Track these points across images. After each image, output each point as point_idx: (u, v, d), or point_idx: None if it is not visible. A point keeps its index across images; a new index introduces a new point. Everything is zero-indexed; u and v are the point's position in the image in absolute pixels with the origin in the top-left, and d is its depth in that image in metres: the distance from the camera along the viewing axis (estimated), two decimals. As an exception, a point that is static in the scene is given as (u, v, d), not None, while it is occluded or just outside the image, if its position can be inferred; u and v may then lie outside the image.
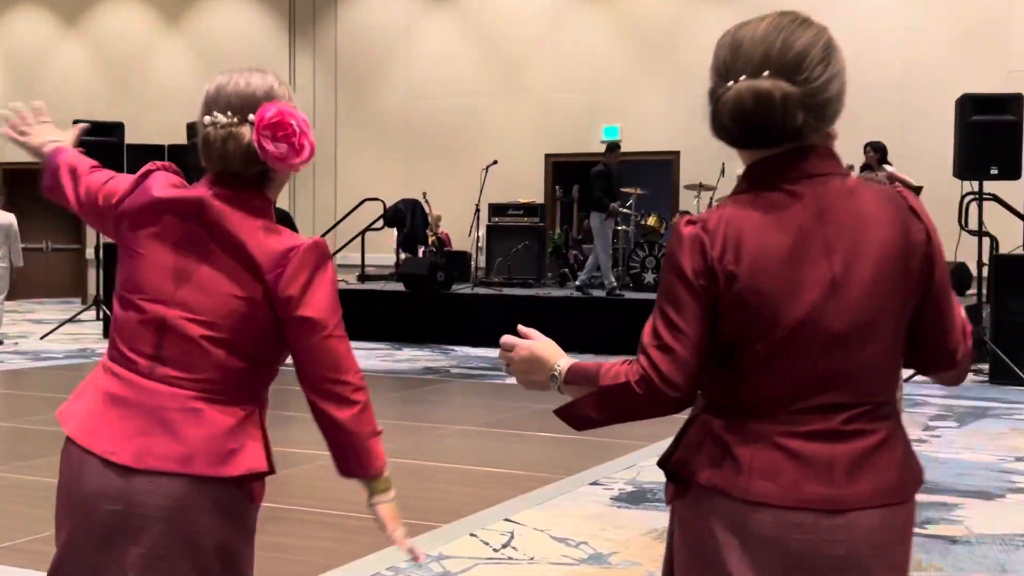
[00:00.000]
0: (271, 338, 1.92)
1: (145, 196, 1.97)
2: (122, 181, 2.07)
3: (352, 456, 1.96)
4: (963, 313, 1.74)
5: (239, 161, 1.92)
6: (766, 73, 1.65)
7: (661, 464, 1.75)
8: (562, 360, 1.75)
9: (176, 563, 1.85)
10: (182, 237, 1.92)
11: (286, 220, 13.41)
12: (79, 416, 1.93)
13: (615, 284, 11.78)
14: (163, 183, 1.99)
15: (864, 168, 11.42)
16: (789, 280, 1.60)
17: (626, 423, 1.73)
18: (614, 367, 1.68)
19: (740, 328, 1.61)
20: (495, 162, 13.17)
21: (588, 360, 1.76)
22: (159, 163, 2.08)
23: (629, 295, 11.81)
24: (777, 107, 1.63)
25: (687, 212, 12.79)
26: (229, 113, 1.94)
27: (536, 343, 1.79)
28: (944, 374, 1.79)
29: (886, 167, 11.28)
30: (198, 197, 1.93)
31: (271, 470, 1.94)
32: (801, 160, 1.67)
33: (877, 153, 11.37)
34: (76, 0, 18.21)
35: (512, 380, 1.92)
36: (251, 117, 1.92)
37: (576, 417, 1.73)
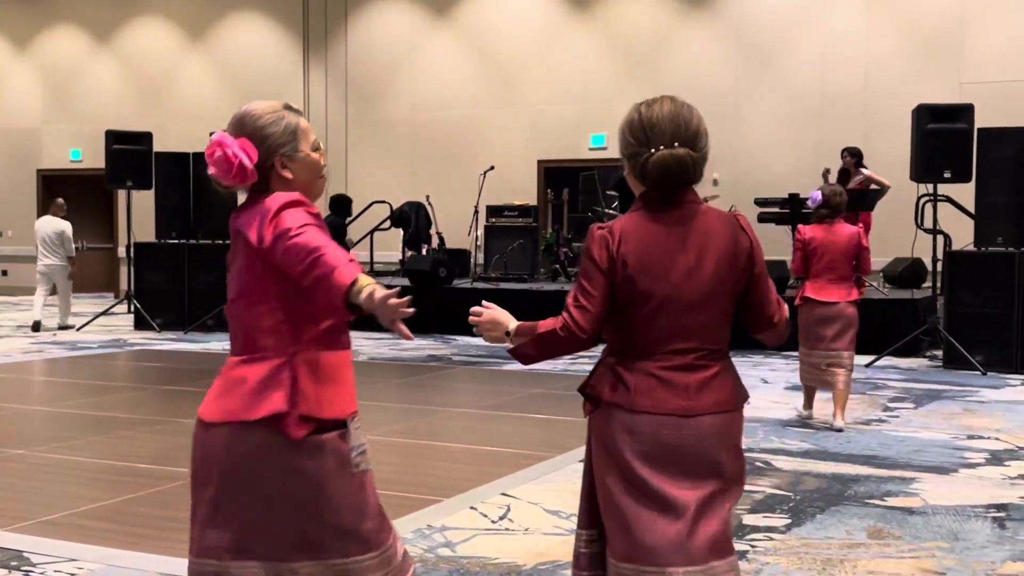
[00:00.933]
0: (274, 282, 2.11)
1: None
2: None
3: (333, 285, 2.00)
4: (776, 294, 2.40)
5: (216, 185, 2.23)
6: (676, 144, 2.30)
7: (580, 390, 2.40)
8: (512, 322, 2.33)
9: (222, 493, 2.14)
10: (234, 249, 2.22)
11: (342, 203, 13.39)
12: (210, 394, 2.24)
13: None
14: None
15: (842, 172, 11.44)
16: (661, 267, 2.26)
17: (555, 359, 2.39)
18: (547, 321, 2.30)
19: (629, 297, 2.26)
20: (492, 168, 13.17)
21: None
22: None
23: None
24: (689, 167, 2.30)
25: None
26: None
27: (495, 311, 2.34)
28: (766, 333, 2.41)
29: (863, 170, 11.29)
30: (235, 217, 2.20)
31: (286, 410, 2.12)
32: (677, 194, 2.32)
33: (853, 158, 11.39)
34: (108, 19, 18.16)
35: (508, 366, 2.71)
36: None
37: (522, 354, 2.32)
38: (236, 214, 2.18)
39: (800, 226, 6.55)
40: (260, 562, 2.11)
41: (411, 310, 2.00)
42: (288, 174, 2.18)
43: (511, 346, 2.33)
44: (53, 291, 12.54)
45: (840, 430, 6.15)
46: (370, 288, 1.96)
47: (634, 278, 2.25)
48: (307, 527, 2.10)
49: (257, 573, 2.11)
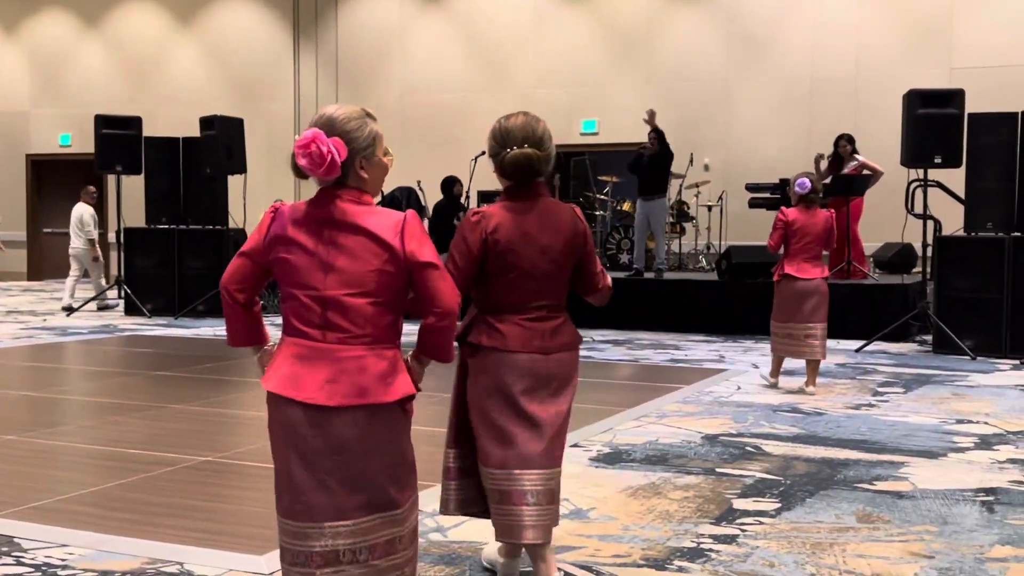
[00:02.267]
0: (402, 289, 2.42)
1: (285, 220, 2.42)
2: (257, 234, 2.48)
3: (431, 347, 2.50)
4: (600, 266, 3.24)
5: (293, 168, 2.43)
6: (527, 145, 3.05)
7: (459, 339, 3.06)
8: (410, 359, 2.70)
9: (367, 463, 2.36)
10: (321, 238, 2.38)
11: (412, 195, 13.34)
12: (276, 378, 2.38)
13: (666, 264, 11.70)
14: (295, 208, 2.44)
15: (836, 157, 11.45)
16: (524, 246, 3.04)
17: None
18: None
19: (500, 269, 3.03)
20: (483, 152, 13.10)
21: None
22: (277, 203, 2.51)
23: (617, 275, 11.77)
24: (535, 161, 3.06)
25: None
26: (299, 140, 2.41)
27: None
28: (593, 296, 3.26)
29: (857, 156, 11.31)
30: (322, 208, 2.40)
31: (418, 390, 2.48)
32: (532, 187, 3.10)
33: (849, 145, 11.41)
34: (97, 3, 18.04)
35: None
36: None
37: (449, 354, 2.67)
38: (337, 209, 2.39)
39: (784, 208, 6.90)
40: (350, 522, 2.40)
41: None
42: (364, 174, 2.45)
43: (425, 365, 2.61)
44: (86, 274, 13.06)
45: (812, 394, 6.79)
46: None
47: (503, 255, 3.04)
48: (392, 488, 2.43)
49: (349, 530, 2.40)
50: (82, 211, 12.93)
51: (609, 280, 3.27)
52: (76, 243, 12.90)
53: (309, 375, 2.34)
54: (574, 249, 3.12)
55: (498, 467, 3.03)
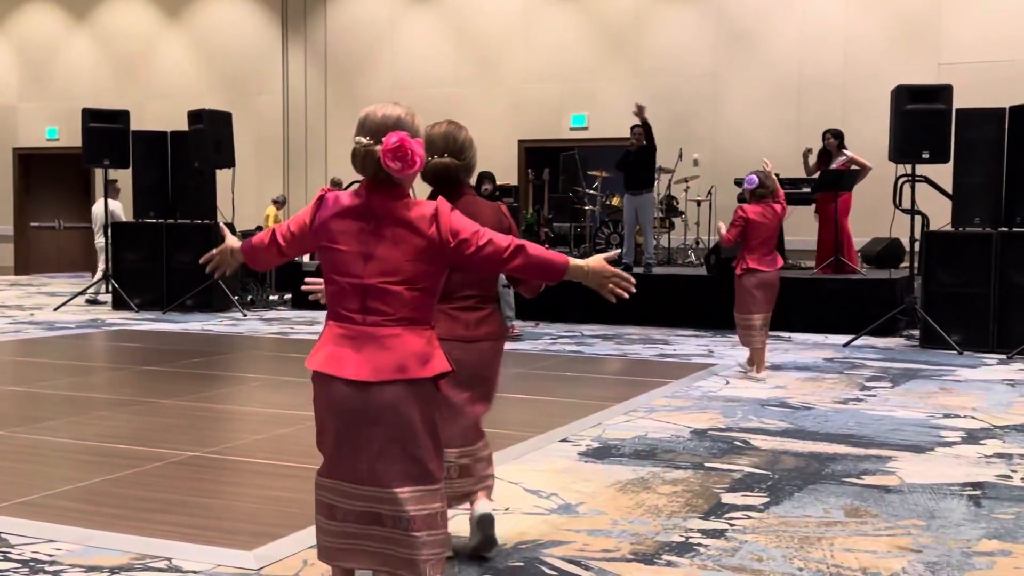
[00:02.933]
0: (439, 275, 2.61)
1: (328, 211, 2.63)
2: (305, 214, 2.70)
3: (538, 272, 2.69)
4: None
5: (372, 170, 2.59)
6: (447, 155, 3.35)
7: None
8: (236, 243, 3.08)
9: (405, 434, 2.55)
10: (362, 229, 2.58)
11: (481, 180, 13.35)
12: (320, 358, 2.60)
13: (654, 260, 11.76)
14: (337, 199, 2.65)
15: (823, 152, 11.46)
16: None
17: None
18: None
19: None
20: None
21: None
22: (325, 188, 2.72)
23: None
24: (452, 170, 3.36)
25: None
26: (368, 137, 2.59)
27: (227, 242, 3.00)
28: (520, 287, 3.36)
29: (845, 151, 11.33)
30: (365, 199, 2.60)
31: (452, 369, 2.64)
32: (458, 189, 3.40)
33: (836, 139, 11.43)
34: (84, -4, 17.95)
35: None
36: (381, 142, 2.56)
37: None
38: (377, 202, 2.59)
39: (743, 205, 7.33)
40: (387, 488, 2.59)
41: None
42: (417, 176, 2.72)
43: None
44: None
45: (764, 379, 7.31)
46: (591, 263, 2.75)
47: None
48: (431, 462, 2.62)
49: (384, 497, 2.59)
50: (94, 207, 13.40)
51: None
52: (97, 238, 13.29)
53: (352, 354, 2.56)
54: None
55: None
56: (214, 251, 3.03)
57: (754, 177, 7.22)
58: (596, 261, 2.71)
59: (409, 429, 2.56)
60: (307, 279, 3.19)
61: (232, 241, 2.98)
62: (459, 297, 3.29)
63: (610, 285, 2.70)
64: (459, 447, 3.38)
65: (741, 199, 12.78)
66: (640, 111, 11.11)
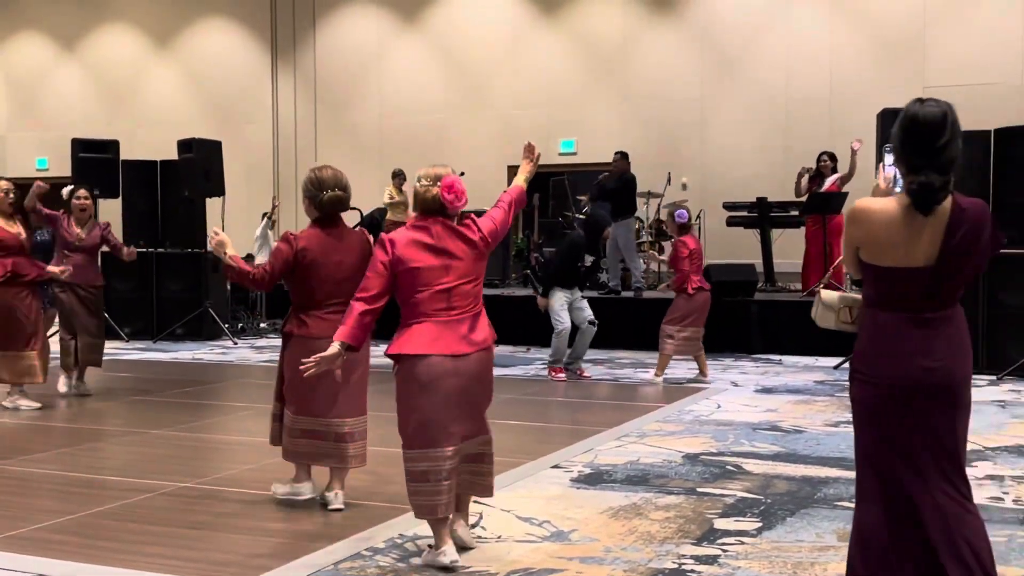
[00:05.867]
0: (484, 268, 3.81)
1: (399, 247, 3.68)
2: (377, 260, 3.70)
3: (519, 204, 4.08)
4: None
5: (432, 204, 3.71)
6: (337, 189, 4.38)
7: (280, 329, 4.59)
8: (231, 250, 4.43)
9: (481, 391, 3.76)
10: (435, 250, 3.68)
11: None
12: (414, 344, 3.61)
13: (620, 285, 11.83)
14: (406, 233, 3.72)
15: (816, 174, 11.55)
16: (330, 259, 4.34)
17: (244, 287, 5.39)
18: (254, 268, 4.40)
19: (310, 275, 4.34)
20: (462, 173, 13.10)
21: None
22: (384, 235, 3.73)
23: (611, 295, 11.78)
24: (345, 202, 4.40)
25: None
26: (428, 182, 3.71)
27: (224, 236, 4.47)
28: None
29: (834, 175, 11.43)
30: (429, 230, 3.69)
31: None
32: (336, 219, 4.45)
33: (831, 161, 11.54)
34: (73, 26, 17.99)
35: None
36: (438, 184, 3.69)
37: (228, 272, 4.36)
38: (439, 229, 3.71)
39: (684, 238, 8.35)
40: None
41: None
42: None
43: (226, 262, 4.37)
44: None
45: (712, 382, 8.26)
46: None
47: (313, 266, 4.34)
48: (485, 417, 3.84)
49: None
50: None
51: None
52: None
53: (447, 336, 3.60)
54: (367, 258, 4.12)
55: (310, 415, 4.41)
56: (316, 358, 3.67)
57: (684, 212, 8.45)
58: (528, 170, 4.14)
59: (484, 387, 3.72)
60: (303, 364, 3.71)
61: (333, 348, 3.66)
62: (330, 304, 4.34)
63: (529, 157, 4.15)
64: (342, 418, 4.42)
65: (731, 223, 12.86)
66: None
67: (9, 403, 7.13)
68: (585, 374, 8.72)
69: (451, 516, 3.74)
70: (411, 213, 4.46)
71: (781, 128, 14.00)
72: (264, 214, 13.91)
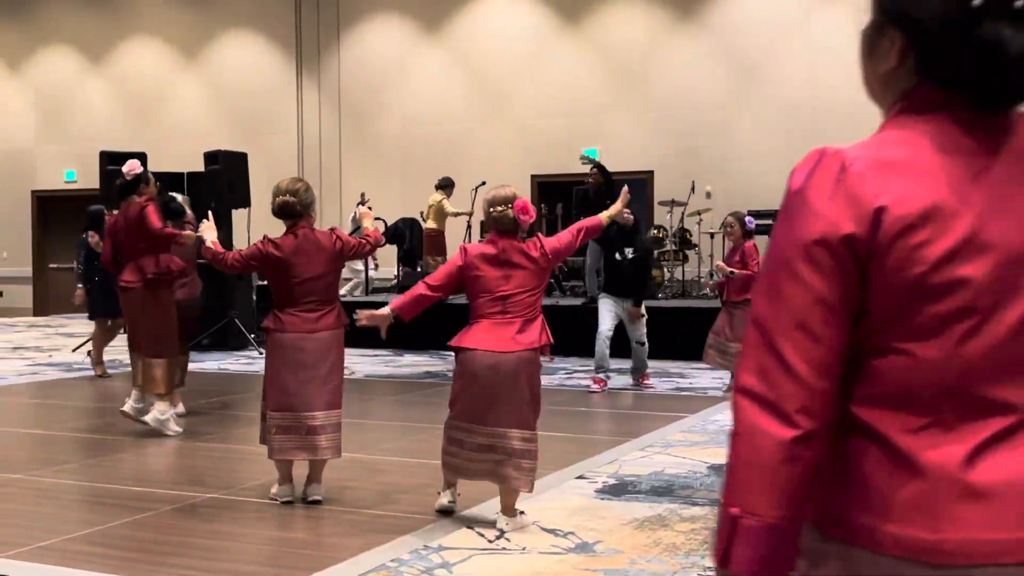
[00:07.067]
0: (545, 282, 4.36)
1: (471, 257, 4.28)
2: (453, 263, 4.35)
3: (592, 233, 4.83)
4: (358, 242, 4.97)
5: (509, 224, 4.26)
6: (289, 195, 4.71)
7: (261, 327, 5.11)
8: (386, 309, 4.46)
9: (525, 385, 4.23)
10: (499, 262, 4.23)
11: (416, 226, 13.27)
12: (471, 340, 4.20)
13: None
14: (479, 247, 4.34)
15: None
16: (299, 259, 4.68)
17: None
18: (229, 255, 4.92)
19: (286, 274, 4.72)
20: (483, 183, 13.15)
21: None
22: (463, 244, 4.45)
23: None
24: (292, 207, 4.71)
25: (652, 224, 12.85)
26: (502, 206, 4.25)
27: (372, 313, 4.44)
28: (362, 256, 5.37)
29: None
30: (497, 245, 4.25)
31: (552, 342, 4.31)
32: (299, 224, 4.76)
33: None
34: (100, 39, 18.18)
35: None
36: (511, 206, 4.25)
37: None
38: (507, 245, 4.27)
39: (752, 242, 8.14)
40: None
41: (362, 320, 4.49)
42: None
43: (206, 245, 4.94)
44: None
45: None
46: None
47: (286, 265, 4.66)
48: (531, 414, 4.30)
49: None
50: None
51: (372, 241, 5.02)
52: None
53: (496, 334, 4.15)
54: (336, 259, 4.77)
55: (282, 410, 4.65)
56: (368, 314, 4.36)
57: (752, 218, 8.08)
58: (614, 208, 4.85)
59: (525, 382, 4.18)
60: (358, 312, 4.44)
61: (384, 310, 4.29)
62: (303, 302, 4.67)
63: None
64: (315, 411, 4.65)
65: (757, 231, 12.79)
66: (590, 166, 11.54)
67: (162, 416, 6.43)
68: (647, 381, 8.68)
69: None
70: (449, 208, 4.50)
71: (806, 136, 13.93)
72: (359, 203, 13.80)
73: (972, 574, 1.13)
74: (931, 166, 1.18)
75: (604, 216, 4.64)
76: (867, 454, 1.18)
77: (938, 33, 1.18)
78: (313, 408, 4.63)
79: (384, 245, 5.87)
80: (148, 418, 6.36)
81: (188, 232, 6.73)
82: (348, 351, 5.02)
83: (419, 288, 4.32)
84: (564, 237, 4.40)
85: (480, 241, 4.38)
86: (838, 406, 1.20)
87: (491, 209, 4.25)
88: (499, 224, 4.24)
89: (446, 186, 13.53)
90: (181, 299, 6.93)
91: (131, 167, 6.58)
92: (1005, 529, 1.13)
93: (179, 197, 7.99)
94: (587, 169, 12.27)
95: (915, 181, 1.17)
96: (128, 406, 6.47)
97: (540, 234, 4.28)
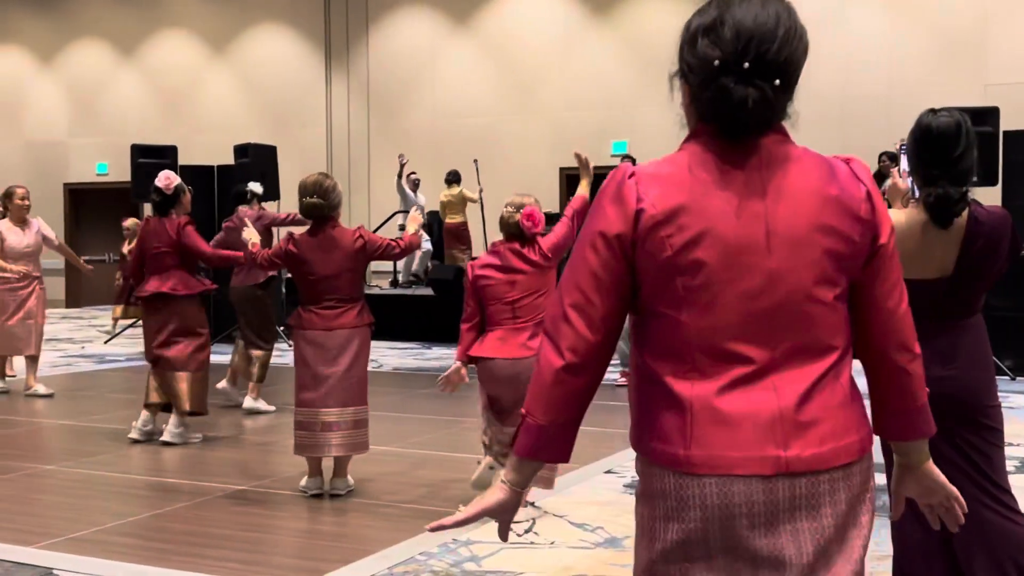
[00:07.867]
0: (551, 285, 4.28)
1: (480, 267, 4.41)
2: (466, 282, 4.52)
3: (584, 211, 4.71)
4: (391, 243, 4.97)
5: (513, 227, 4.33)
6: (315, 196, 4.76)
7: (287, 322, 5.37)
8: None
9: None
10: (506, 271, 4.34)
11: (436, 219, 13.32)
12: (485, 348, 4.29)
13: None
14: (483, 258, 4.45)
15: (878, 174, 11.41)
16: (317, 262, 4.76)
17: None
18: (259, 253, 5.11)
19: (304, 276, 4.81)
20: (475, 160, 13.17)
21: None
22: (468, 263, 4.78)
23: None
24: (319, 209, 4.76)
25: None
26: (512, 208, 4.34)
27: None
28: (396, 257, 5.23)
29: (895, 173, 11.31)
30: (503, 253, 4.36)
31: None
32: (322, 222, 4.82)
33: (891, 162, 11.42)
34: (132, 32, 18.33)
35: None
36: (519, 212, 4.31)
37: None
38: (506, 251, 4.36)
39: None
40: None
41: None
42: None
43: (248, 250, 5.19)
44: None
45: None
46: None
47: (304, 263, 4.73)
48: None
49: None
50: None
51: (403, 245, 4.95)
52: None
53: (510, 342, 4.26)
54: (355, 258, 4.76)
55: (300, 405, 4.74)
56: (443, 379, 4.48)
57: None
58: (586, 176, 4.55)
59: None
60: (438, 382, 4.58)
61: (453, 366, 4.44)
62: (324, 300, 4.72)
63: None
64: (335, 407, 4.70)
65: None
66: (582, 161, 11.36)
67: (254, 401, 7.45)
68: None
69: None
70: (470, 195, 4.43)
71: (838, 127, 13.83)
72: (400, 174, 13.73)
73: (710, 481, 1.51)
74: (683, 179, 1.58)
75: (584, 190, 4.52)
76: (653, 394, 1.60)
77: (697, 83, 1.66)
78: (327, 405, 4.67)
79: (419, 248, 5.77)
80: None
81: (241, 252, 6.63)
82: (375, 344, 5.05)
83: (462, 330, 4.42)
84: (559, 230, 4.38)
85: (485, 252, 4.50)
86: (605, 353, 1.63)
87: (503, 208, 4.36)
88: (504, 226, 4.34)
89: (458, 179, 13.60)
90: (235, 286, 7.64)
91: (168, 180, 6.30)
92: (739, 449, 1.51)
93: (254, 186, 8.24)
94: (617, 162, 12.24)
95: (668, 190, 1.57)
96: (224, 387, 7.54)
97: (539, 237, 4.34)
